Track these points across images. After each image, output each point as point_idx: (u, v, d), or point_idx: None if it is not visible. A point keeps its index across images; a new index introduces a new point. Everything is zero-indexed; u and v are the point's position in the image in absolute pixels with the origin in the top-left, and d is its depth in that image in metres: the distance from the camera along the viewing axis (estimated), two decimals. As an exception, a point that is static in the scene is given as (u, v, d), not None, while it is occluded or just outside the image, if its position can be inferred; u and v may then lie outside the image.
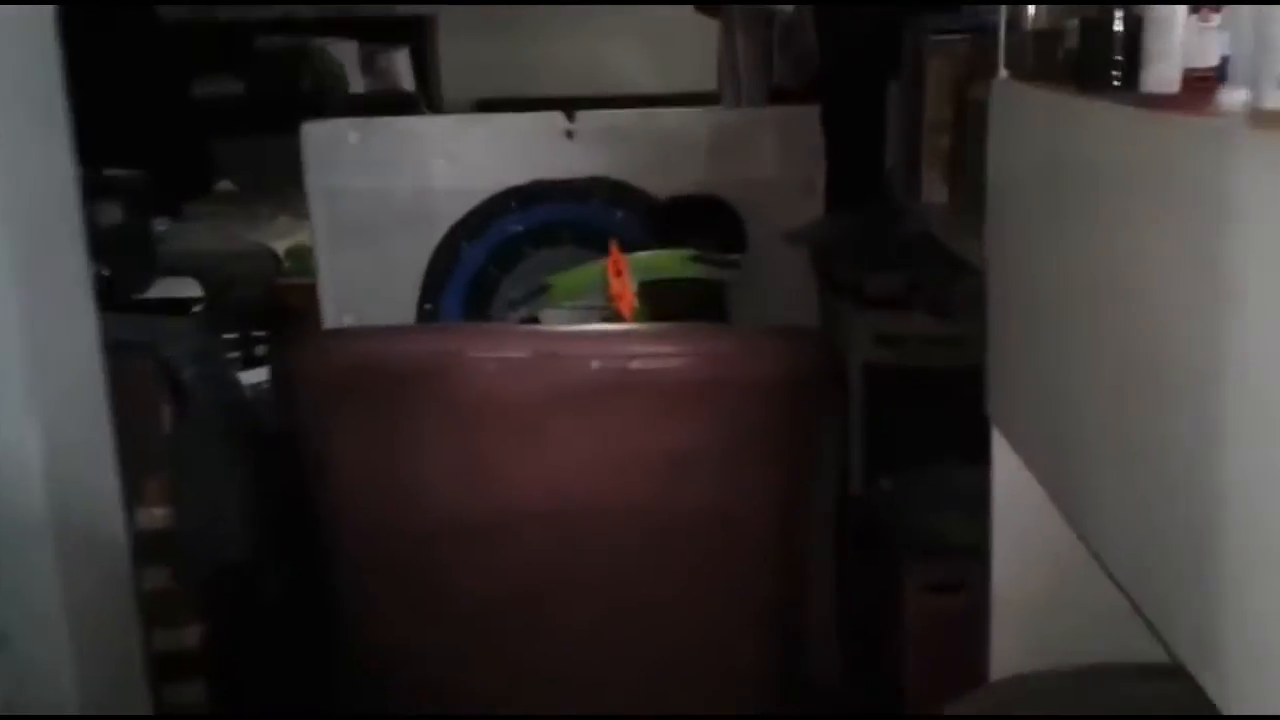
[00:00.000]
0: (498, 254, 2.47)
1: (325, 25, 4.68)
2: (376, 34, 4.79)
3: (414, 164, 2.46)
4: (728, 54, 3.06)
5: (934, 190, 2.06)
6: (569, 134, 2.46)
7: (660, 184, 2.48)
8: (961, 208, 1.90)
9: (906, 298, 2.23)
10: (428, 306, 2.48)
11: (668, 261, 2.19)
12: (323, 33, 4.67)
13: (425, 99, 4.82)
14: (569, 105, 2.48)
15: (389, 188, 2.46)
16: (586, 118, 2.47)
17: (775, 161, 2.49)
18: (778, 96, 2.78)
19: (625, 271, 2.08)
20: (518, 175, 2.46)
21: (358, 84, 4.68)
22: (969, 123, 1.84)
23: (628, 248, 2.18)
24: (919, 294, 2.21)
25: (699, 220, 2.38)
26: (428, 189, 2.46)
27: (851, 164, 2.46)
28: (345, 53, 4.67)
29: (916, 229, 2.15)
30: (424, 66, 4.92)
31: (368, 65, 4.74)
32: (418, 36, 4.92)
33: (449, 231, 2.46)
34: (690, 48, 3.90)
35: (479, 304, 2.48)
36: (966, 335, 1.67)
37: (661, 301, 2.06)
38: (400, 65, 4.80)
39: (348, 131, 2.46)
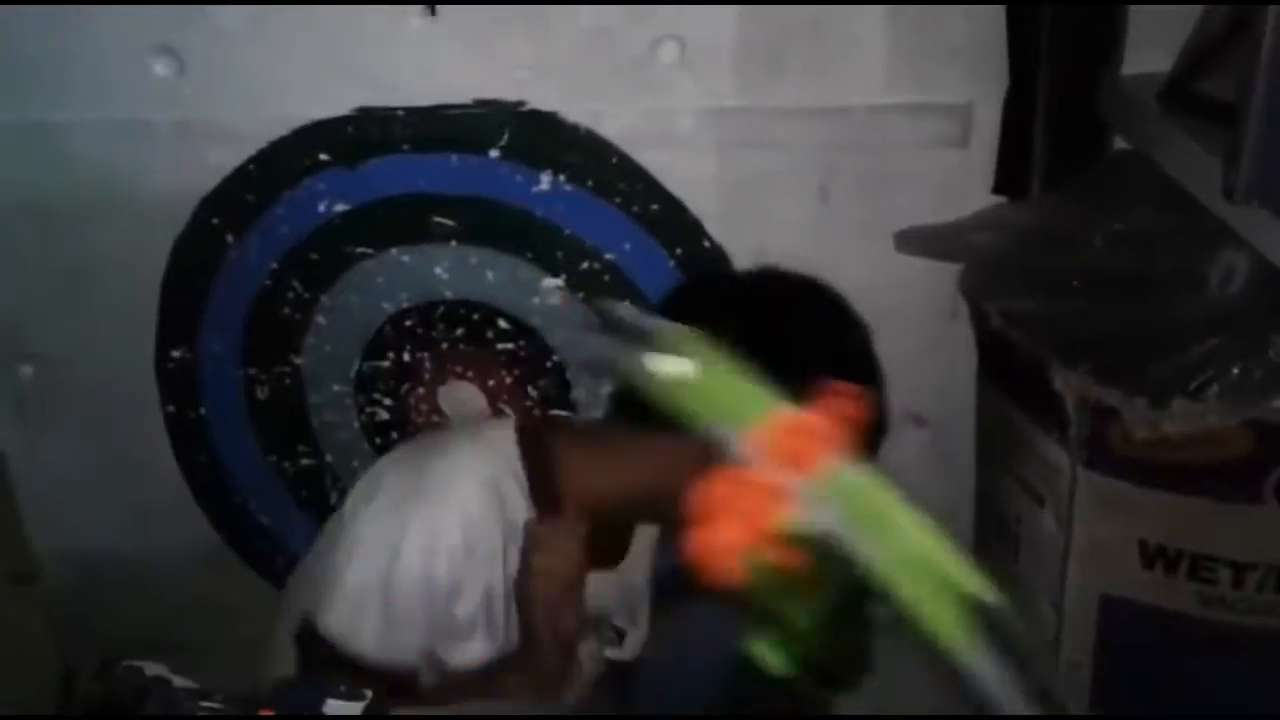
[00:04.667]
0: (300, 254, 1.22)
1: None
2: None
3: (103, 79, 1.17)
4: None
5: None
6: (431, 7, 1.13)
7: (628, 112, 1.16)
8: None
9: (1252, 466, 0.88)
10: (177, 355, 1.26)
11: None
12: None
13: None
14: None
15: (32, 125, 1.19)
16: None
17: (884, 63, 1.14)
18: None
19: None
20: (328, 98, 1.16)
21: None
22: None
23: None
24: None
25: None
26: (146, 125, 1.18)
27: (1078, 70, 1.10)
28: None
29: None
30: None
31: None
32: None
33: (194, 216, 1.21)
34: None
35: (276, 344, 1.26)
36: None
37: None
38: None
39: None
